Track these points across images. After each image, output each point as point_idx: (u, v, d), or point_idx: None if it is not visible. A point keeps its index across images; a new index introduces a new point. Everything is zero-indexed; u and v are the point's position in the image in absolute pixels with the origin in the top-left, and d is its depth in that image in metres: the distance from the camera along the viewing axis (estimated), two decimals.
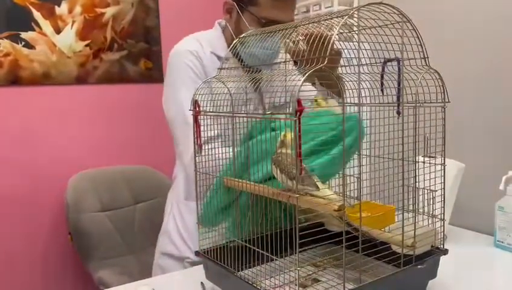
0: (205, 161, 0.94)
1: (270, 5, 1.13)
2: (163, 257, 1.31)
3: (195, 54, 1.18)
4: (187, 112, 1.00)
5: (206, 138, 0.95)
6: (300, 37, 0.92)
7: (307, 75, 0.63)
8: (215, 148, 0.96)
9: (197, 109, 0.92)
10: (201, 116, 0.92)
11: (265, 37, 0.92)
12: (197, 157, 0.93)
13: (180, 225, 1.28)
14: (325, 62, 0.65)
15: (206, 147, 0.95)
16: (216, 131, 1.00)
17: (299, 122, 0.63)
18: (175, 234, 1.28)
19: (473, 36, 1.34)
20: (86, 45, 1.96)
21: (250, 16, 1.16)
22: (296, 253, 0.68)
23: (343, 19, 0.72)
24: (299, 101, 0.62)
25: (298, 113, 0.62)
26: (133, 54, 2.08)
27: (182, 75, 1.17)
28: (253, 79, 0.91)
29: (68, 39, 1.92)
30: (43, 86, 1.88)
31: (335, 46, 0.95)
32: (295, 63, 1.08)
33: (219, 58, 1.21)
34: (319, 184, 0.80)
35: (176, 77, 1.19)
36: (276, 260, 0.82)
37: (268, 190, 0.81)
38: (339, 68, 0.96)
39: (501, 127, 1.29)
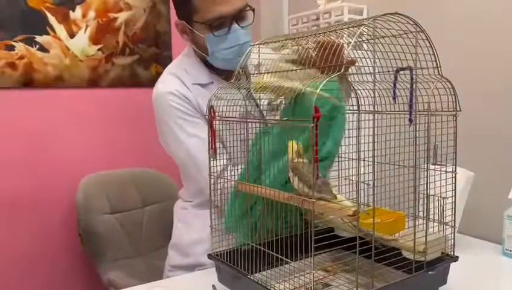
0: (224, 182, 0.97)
1: (208, 4, 1.08)
2: (174, 269, 1.30)
3: (177, 93, 1.14)
4: (193, 153, 1.03)
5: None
6: (312, 45, 0.93)
7: (324, 82, 0.64)
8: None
9: (212, 113, 0.94)
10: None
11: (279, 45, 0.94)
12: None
13: (188, 237, 1.27)
14: (342, 70, 0.67)
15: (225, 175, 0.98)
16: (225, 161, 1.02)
17: (316, 129, 0.64)
18: (185, 245, 1.27)
19: (486, 45, 1.35)
20: (99, 49, 1.99)
21: (198, 25, 1.12)
22: (311, 256, 0.70)
23: (359, 28, 0.73)
24: (316, 108, 0.63)
25: (315, 120, 0.63)
26: (145, 58, 2.11)
27: (173, 118, 1.14)
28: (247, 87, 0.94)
29: (81, 43, 1.95)
30: (55, 88, 1.91)
31: (347, 54, 0.97)
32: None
33: (203, 86, 1.17)
34: (336, 192, 0.82)
35: (168, 121, 1.16)
36: (288, 263, 0.83)
37: (283, 195, 0.83)
38: (352, 76, 0.98)
39: (510, 136, 1.30)
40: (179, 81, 1.16)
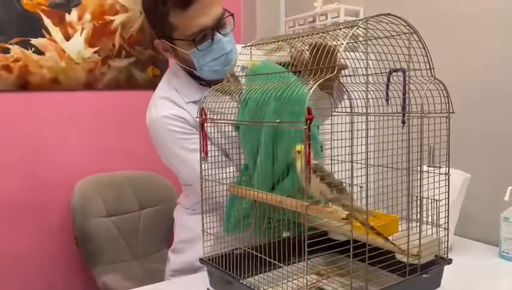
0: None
1: (186, 20, 1.04)
2: (175, 274, 1.28)
3: (173, 116, 1.11)
4: (198, 168, 0.96)
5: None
6: (306, 47, 0.93)
7: (317, 83, 0.64)
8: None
9: (204, 116, 0.93)
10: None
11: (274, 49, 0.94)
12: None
13: (191, 241, 1.25)
14: (335, 71, 0.66)
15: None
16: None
17: (309, 131, 0.63)
18: (187, 249, 1.26)
19: (479, 46, 1.35)
20: (95, 52, 1.99)
21: (180, 42, 1.09)
22: (304, 260, 0.69)
23: (351, 29, 0.73)
24: (309, 110, 0.62)
25: (308, 122, 0.63)
26: (141, 61, 2.11)
27: (173, 140, 1.12)
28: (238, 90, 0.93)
29: (77, 46, 1.94)
30: (51, 91, 1.90)
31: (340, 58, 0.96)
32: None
33: (196, 102, 1.13)
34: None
35: (168, 144, 1.13)
36: (281, 267, 0.82)
37: (276, 198, 0.82)
38: (345, 78, 0.97)
39: (506, 137, 1.29)
40: (172, 104, 1.14)
